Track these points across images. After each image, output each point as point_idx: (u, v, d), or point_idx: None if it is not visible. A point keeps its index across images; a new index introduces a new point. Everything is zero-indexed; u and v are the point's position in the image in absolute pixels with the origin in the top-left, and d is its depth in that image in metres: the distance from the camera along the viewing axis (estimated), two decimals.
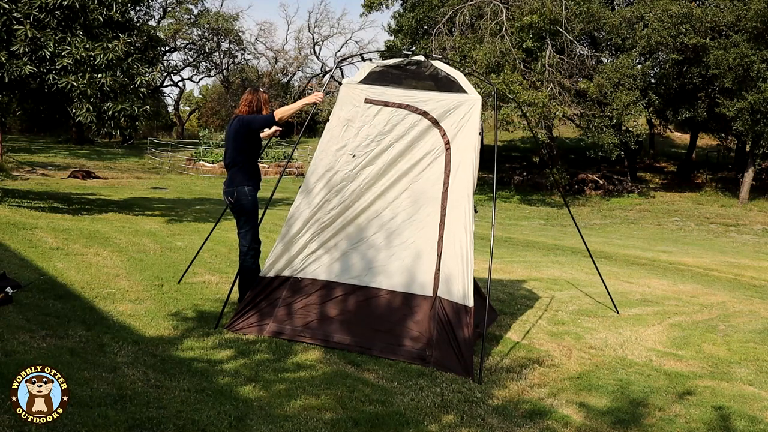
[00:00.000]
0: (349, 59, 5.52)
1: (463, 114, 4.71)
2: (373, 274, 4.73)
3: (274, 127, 5.72)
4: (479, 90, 4.89)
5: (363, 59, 5.28)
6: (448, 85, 4.87)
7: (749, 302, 7.69)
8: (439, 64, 4.96)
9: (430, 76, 5.00)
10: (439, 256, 4.64)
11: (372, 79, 4.93)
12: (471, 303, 4.46)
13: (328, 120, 4.93)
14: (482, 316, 4.73)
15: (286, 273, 4.86)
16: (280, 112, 5.23)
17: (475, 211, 4.68)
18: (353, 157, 4.78)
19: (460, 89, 4.81)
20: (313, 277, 4.81)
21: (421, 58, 4.98)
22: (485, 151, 5.53)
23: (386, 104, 4.78)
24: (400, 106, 4.76)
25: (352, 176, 4.78)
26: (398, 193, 4.81)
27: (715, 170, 30.20)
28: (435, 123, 4.73)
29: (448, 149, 4.72)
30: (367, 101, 4.80)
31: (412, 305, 4.65)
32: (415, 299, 4.66)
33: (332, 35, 69.19)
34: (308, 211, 4.81)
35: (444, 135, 4.72)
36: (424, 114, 4.73)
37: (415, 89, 4.89)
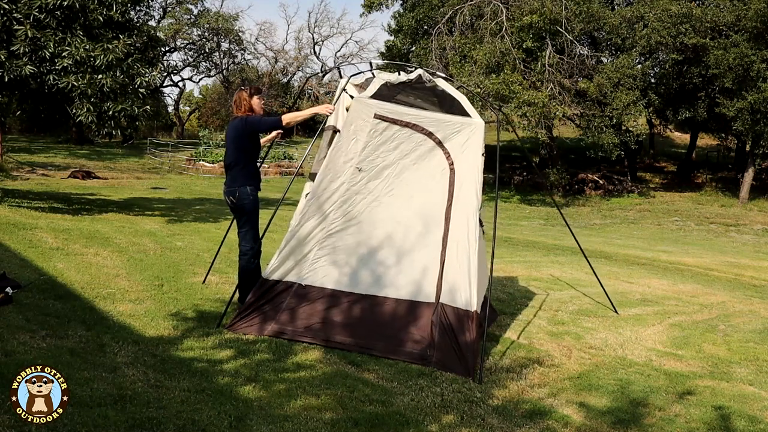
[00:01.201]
0: (362, 73, 5.62)
1: (467, 137, 4.85)
2: (380, 286, 4.82)
3: (274, 132, 5.73)
4: (479, 90, 5.01)
5: (372, 67, 5.42)
6: (451, 104, 5.03)
7: (749, 302, 7.69)
8: (442, 84, 5.12)
9: (432, 91, 5.18)
10: (442, 264, 4.75)
11: (382, 94, 5.04)
12: (473, 308, 4.54)
13: (324, 119, 5.01)
14: (483, 315, 4.75)
15: (290, 278, 4.90)
16: (288, 118, 5.27)
17: (481, 225, 4.78)
18: (360, 170, 4.85)
19: (463, 112, 4.96)
20: (320, 285, 4.87)
21: (427, 75, 5.12)
22: (486, 152, 5.61)
23: (395, 122, 4.87)
24: (407, 124, 4.87)
25: (358, 188, 4.88)
26: (405, 210, 4.91)
27: (715, 170, 30.18)
28: (439, 144, 4.87)
29: (452, 170, 4.85)
30: (376, 117, 4.88)
31: (416, 312, 4.74)
32: (419, 306, 4.75)
33: (332, 35, 69.13)
34: (314, 220, 4.89)
35: (448, 157, 4.86)
36: (429, 135, 4.86)
37: (422, 108, 5.03)
